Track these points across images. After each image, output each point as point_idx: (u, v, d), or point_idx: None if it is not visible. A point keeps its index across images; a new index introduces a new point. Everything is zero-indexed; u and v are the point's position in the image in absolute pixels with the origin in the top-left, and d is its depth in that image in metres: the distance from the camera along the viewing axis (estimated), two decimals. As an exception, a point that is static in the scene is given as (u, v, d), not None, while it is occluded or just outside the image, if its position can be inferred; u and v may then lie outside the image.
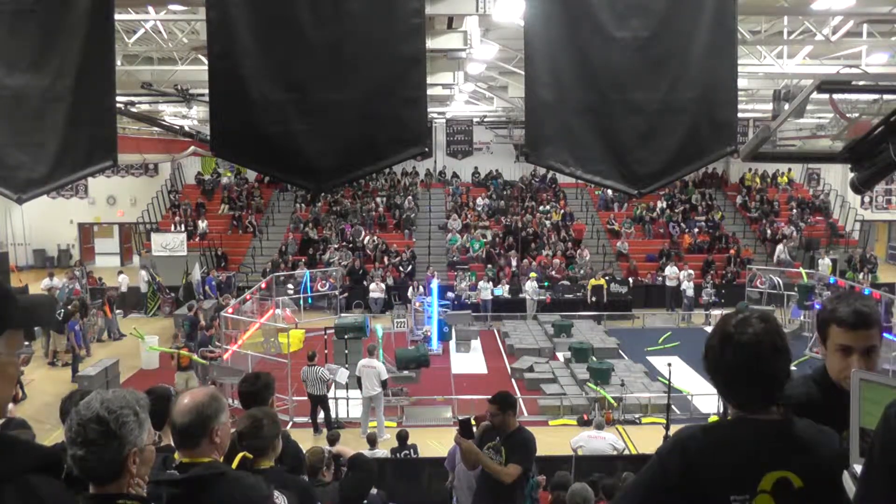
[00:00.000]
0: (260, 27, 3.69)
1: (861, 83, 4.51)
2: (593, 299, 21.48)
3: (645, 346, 18.00)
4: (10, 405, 2.01)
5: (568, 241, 25.13)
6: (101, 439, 1.90)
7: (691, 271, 22.35)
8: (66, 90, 3.82)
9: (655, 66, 3.78)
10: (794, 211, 27.06)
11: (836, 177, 27.84)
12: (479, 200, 27.83)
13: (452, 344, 17.92)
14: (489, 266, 23.35)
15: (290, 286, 22.00)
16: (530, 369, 15.64)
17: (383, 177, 28.77)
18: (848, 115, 4.62)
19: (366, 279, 22.79)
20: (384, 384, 12.43)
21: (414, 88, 3.78)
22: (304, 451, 4.68)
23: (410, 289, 20.88)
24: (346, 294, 22.32)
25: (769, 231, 25.89)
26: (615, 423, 12.78)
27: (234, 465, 2.89)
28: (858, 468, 1.66)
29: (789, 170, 29.23)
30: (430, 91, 11.51)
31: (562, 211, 27.22)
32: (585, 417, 12.97)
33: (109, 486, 1.97)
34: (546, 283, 22.36)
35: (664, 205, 27.42)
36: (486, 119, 26.21)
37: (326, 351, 14.30)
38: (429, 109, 4.80)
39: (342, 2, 3.66)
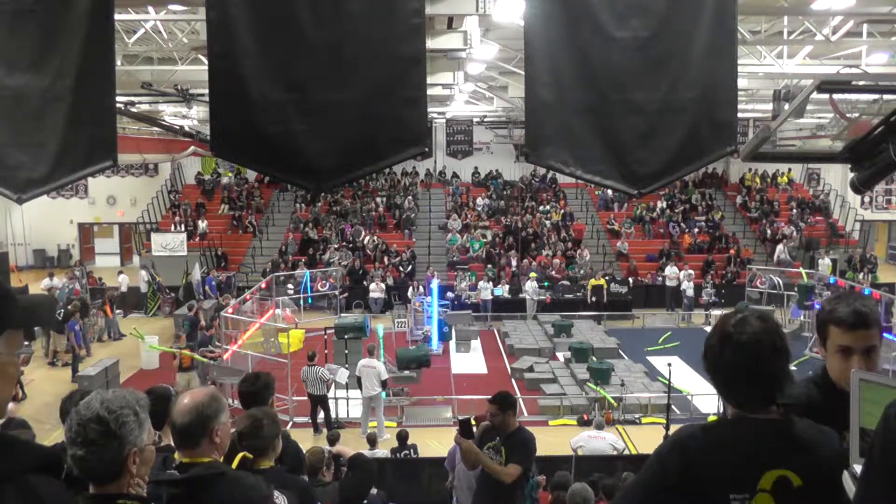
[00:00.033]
0: (260, 27, 3.69)
1: (861, 83, 4.51)
2: (593, 299, 21.48)
3: (645, 346, 18.00)
4: (11, 405, 2.02)
5: (568, 241, 25.13)
6: (101, 439, 1.90)
7: (691, 271, 22.35)
8: (66, 90, 3.82)
9: (655, 66, 3.78)
10: (794, 211, 27.07)
11: (836, 177, 27.85)
12: (479, 200, 27.84)
13: (452, 344, 17.92)
14: (489, 266, 23.35)
15: (290, 286, 22.00)
16: (530, 369, 15.64)
17: (383, 177, 28.77)
18: (848, 115, 4.61)
19: (366, 279, 22.79)
20: (384, 384, 12.44)
21: (414, 88, 3.78)
22: (304, 451, 4.68)
23: (410, 289, 20.87)
24: (346, 294, 22.32)
25: (769, 231, 25.89)
26: (615, 423, 12.78)
27: (234, 465, 2.89)
28: (858, 468, 1.66)
29: (789, 170, 29.23)
30: (430, 91, 11.51)
31: (562, 211, 27.22)
32: (585, 417, 12.97)
33: (109, 486, 1.97)
34: (546, 283, 22.36)
35: (664, 205, 27.42)
36: (486, 119, 26.21)
37: (326, 351, 14.30)
38: (429, 109, 4.80)
39: (342, 2, 3.66)
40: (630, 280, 22.58)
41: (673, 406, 12.57)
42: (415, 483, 9.28)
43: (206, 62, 4.72)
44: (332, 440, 9.12)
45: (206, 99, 5.25)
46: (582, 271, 23.22)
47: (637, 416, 13.29)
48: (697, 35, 3.77)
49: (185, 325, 16.25)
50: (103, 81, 3.89)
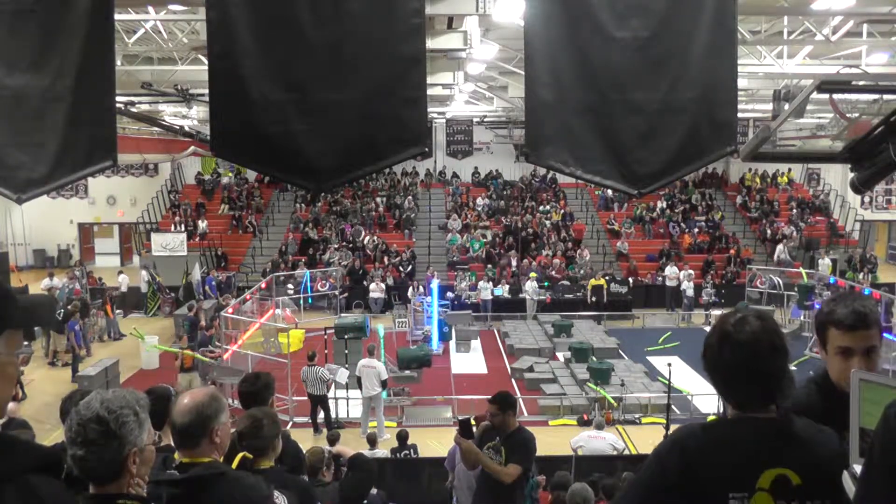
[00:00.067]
0: (260, 27, 3.70)
1: (861, 83, 4.51)
2: (593, 299, 21.48)
3: (645, 346, 18.00)
4: (12, 405, 2.02)
5: (568, 241, 25.13)
6: (101, 439, 1.90)
7: (691, 271, 22.35)
8: (66, 90, 3.82)
9: (655, 66, 3.78)
10: (794, 211, 27.07)
11: (836, 177, 27.85)
12: (479, 200, 27.84)
13: (452, 344, 17.92)
14: (489, 266, 23.35)
15: (290, 286, 22.00)
16: (530, 369, 15.64)
17: (383, 177, 28.77)
18: (848, 115, 4.61)
19: (366, 279, 22.79)
20: (384, 384, 12.44)
21: (414, 88, 3.78)
22: (304, 451, 4.68)
23: (410, 289, 20.88)
24: (346, 294, 22.32)
25: (769, 231, 25.89)
26: (615, 423, 12.78)
27: (234, 465, 2.89)
28: (858, 468, 1.66)
29: (789, 170, 29.23)
30: (430, 91, 11.51)
31: (562, 211, 27.22)
32: (585, 417, 12.97)
33: (109, 486, 1.97)
34: (546, 283, 22.36)
35: (664, 205, 27.42)
36: (486, 119, 26.21)
37: (326, 351, 14.30)
38: (429, 109, 4.80)
39: (342, 2, 3.66)
40: (630, 280, 22.58)
41: (673, 406, 12.57)
42: (415, 483, 9.28)
43: (206, 62, 4.72)
44: (332, 440, 9.12)
45: (206, 99, 5.25)
46: (582, 271, 23.22)
47: (637, 416, 13.29)
48: (697, 35, 3.77)
49: (185, 325, 16.26)
50: (103, 81, 3.89)
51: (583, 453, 9.73)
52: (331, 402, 12.76)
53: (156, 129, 20.94)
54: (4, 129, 3.92)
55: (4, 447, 1.64)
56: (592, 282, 21.76)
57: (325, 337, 14.65)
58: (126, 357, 16.04)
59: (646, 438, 11.72)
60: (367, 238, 25.17)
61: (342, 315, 19.55)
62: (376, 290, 21.95)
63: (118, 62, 12.09)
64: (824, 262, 22.52)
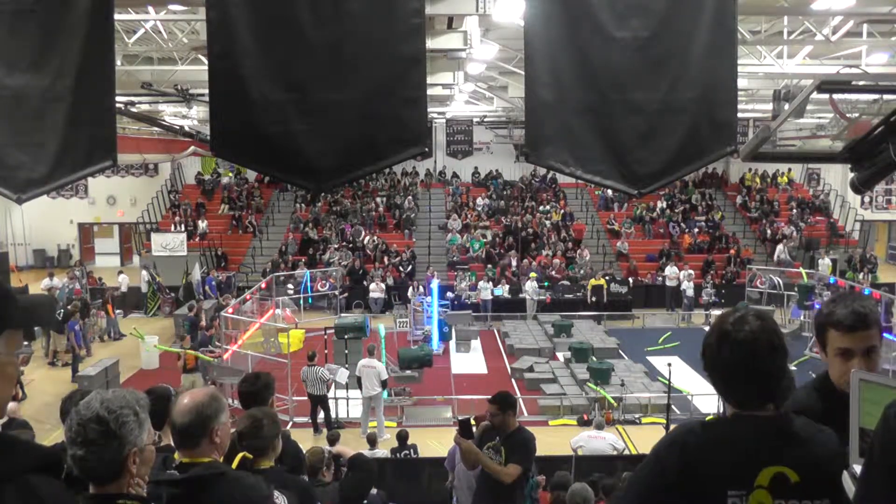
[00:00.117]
0: (260, 27, 3.69)
1: (861, 83, 4.51)
2: (593, 299, 21.48)
3: (645, 346, 18.00)
4: (12, 405, 2.02)
5: (568, 241, 25.13)
6: (101, 439, 1.90)
7: (691, 271, 22.35)
8: (66, 90, 3.82)
9: (655, 66, 3.78)
10: (794, 211, 27.07)
11: (836, 177, 27.85)
12: (479, 200, 27.84)
13: (452, 344, 17.93)
14: (489, 266, 23.35)
15: (290, 286, 22.00)
16: (530, 369, 15.64)
17: (383, 177, 28.77)
18: (848, 115, 4.61)
19: (366, 279, 22.79)
20: (384, 384, 12.44)
21: (414, 88, 3.78)
22: (304, 451, 4.68)
23: (410, 289, 20.88)
24: (346, 294, 22.32)
25: (769, 231, 25.89)
26: (615, 423, 12.79)
27: (234, 465, 2.89)
28: (858, 468, 1.66)
29: (789, 170, 29.23)
30: (430, 91, 11.51)
31: (562, 211, 27.22)
32: (585, 417, 12.97)
33: (109, 486, 1.97)
34: (546, 283, 22.36)
35: (664, 205, 27.42)
36: (486, 119, 26.21)
37: (326, 351, 14.30)
38: (429, 109, 4.80)
39: (342, 2, 3.66)
40: (630, 280, 22.58)
41: (673, 406, 12.57)
42: (415, 483, 9.28)
43: (206, 62, 4.72)
44: (332, 440, 9.12)
45: (206, 99, 5.25)
46: (582, 271, 23.22)
47: (637, 416, 13.29)
48: (697, 35, 3.77)
49: (186, 326, 16.26)
50: (103, 81, 3.89)
51: (583, 453, 9.73)
52: (331, 402, 12.76)
53: (156, 129, 20.94)
54: (4, 129, 3.92)
55: (4, 447, 1.64)
56: (592, 282, 21.76)
57: (325, 337, 14.65)
58: (126, 357, 16.04)
59: (646, 438, 11.72)
60: (367, 238, 25.17)
61: (342, 315, 19.55)
62: (376, 290, 21.96)
63: (118, 62, 12.09)
64: (824, 262, 22.53)
